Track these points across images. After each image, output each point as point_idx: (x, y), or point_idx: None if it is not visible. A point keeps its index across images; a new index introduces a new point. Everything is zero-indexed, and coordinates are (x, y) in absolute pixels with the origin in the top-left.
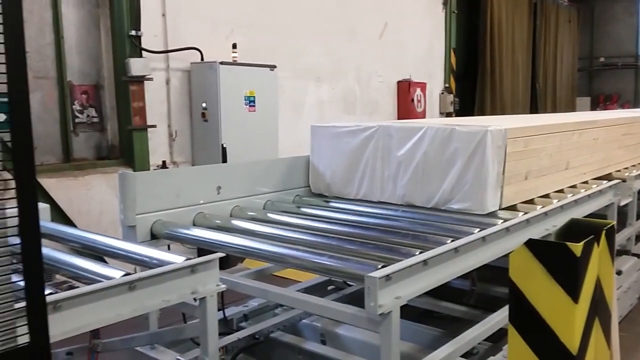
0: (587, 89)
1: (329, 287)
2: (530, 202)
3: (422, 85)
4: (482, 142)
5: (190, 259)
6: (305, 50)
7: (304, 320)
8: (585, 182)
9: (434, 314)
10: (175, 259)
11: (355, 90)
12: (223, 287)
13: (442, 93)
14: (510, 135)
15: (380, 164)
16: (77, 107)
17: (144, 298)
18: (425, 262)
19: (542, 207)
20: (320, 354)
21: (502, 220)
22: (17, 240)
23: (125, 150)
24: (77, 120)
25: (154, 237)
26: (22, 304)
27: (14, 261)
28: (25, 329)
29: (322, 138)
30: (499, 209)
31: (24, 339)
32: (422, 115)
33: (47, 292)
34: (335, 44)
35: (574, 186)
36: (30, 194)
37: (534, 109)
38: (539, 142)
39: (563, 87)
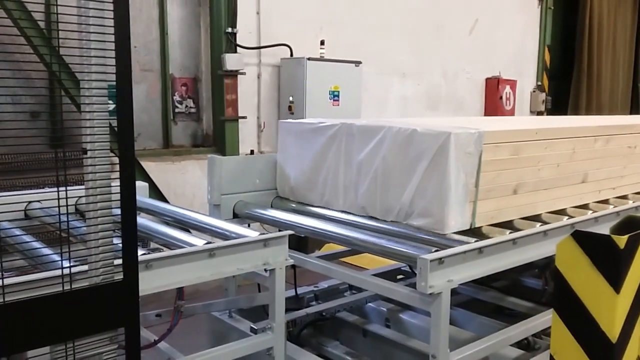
0: None
1: (398, 277)
2: (532, 218)
3: (512, 83)
4: (444, 148)
5: (264, 234)
6: (391, 47)
7: (370, 304)
8: (622, 197)
9: (505, 310)
10: (251, 233)
11: (440, 87)
12: (291, 261)
13: (534, 91)
14: (489, 140)
15: (343, 167)
16: (177, 98)
17: (222, 265)
18: (480, 250)
19: (541, 225)
20: (383, 336)
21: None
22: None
23: (217, 139)
24: (176, 110)
25: (236, 216)
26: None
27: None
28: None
29: (289, 135)
30: (473, 228)
31: (119, 276)
32: (511, 113)
33: (141, 253)
34: (422, 40)
35: (604, 201)
36: (129, 173)
37: (634, 109)
38: (536, 150)
39: None
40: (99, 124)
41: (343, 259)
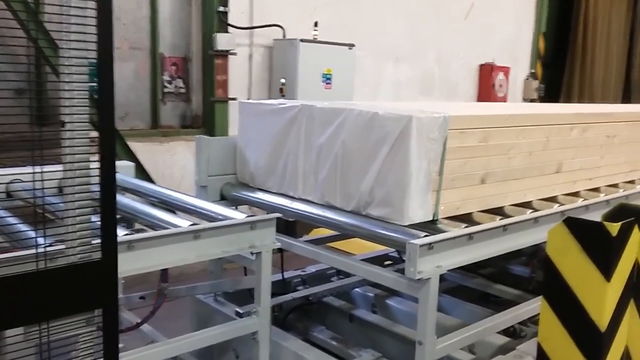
0: None
1: (385, 263)
2: (495, 211)
3: (506, 70)
4: (405, 132)
5: (251, 216)
6: (385, 30)
7: (357, 289)
8: (596, 190)
9: (491, 298)
10: (237, 215)
11: (434, 72)
12: (278, 244)
13: (527, 79)
14: (455, 125)
15: (302, 152)
16: (166, 77)
17: (207, 247)
18: (470, 236)
19: (501, 218)
20: (370, 321)
21: (423, 235)
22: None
23: (207, 120)
24: (165, 90)
25: (223, 199)
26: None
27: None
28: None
29: (248, 117)
30: (434, 219)
31: (97, 256)
32: (503, 100)
33: (124, 233)
34: (418, 24)
35: (575, 194)
36: (109, 146)
37: (626, 99)
38: (507, 137)
39: None
40: (78, 96)
41: (331, 244)
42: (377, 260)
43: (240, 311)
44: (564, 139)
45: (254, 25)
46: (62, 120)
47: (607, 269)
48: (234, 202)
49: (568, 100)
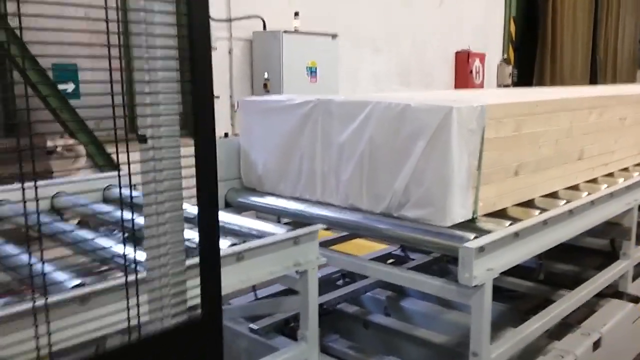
0: None
1: (389, 261)
2: (527, 204)
3: (481, 56)
4: (445, 125)
5: (291, 229)
6: (363, 19)
7: (367, 293)
8: (610, 175)
9: (503, 291)
10: (275, 229)
11: (410, 61)
12: (323, 259)
13: (500, 64)
14: (491, 115)
15: (320, 151)
16: None
17: (252, 269)
18: (516, 233)
19: (540, 213)
20: (386, 326)
21: (473, 236)
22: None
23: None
24: None
25: (228, 206)
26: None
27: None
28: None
29: (253, 116)
30: (473, 218)
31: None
32: (480, 87)
33: None
34: (393, 11)
35: (593, 180)
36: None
37: (593, 80)
38: (537, 124)
39: (624, 58)
40: (165, 101)
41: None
42: (382, 260)
43: (256, 327)
44: (585, 124)
45: (232, 17)
46: (143, 134)
47: None
48: (240, 209)
49: (541, 84)
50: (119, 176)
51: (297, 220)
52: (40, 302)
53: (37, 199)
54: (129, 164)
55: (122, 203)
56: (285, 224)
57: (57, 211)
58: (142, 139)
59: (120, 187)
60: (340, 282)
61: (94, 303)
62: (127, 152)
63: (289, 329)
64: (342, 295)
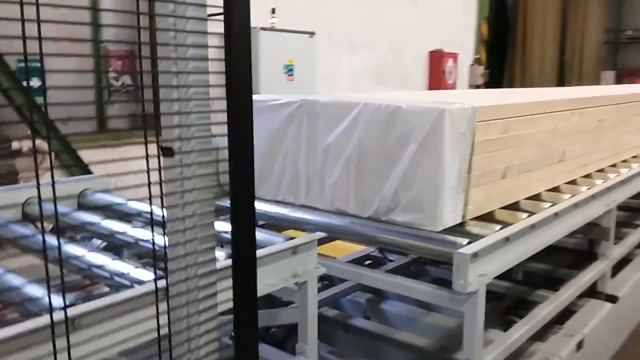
0: (613, 63)
1: (366, 262)
2: (512, 207)
3: (454, 56)
4: (436, 128)
5: (291, 238)
6: (339, 17)
7: (347, 297)
8: (588, 176)
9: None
10: (273, 237)
11: (387, 60)
12: (322, 269)
13: (472, 64)
14: (482, 117)
15: (304, 154)
16: (113, 74)
17: None
18: (507, 238)
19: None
20: (367, 329)
21: (466, 242)
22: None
23: None
24: (112, 88)
25: None
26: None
27: None
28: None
29: None
30: (462, 222)
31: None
32: (452, 87)
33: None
34: (370, 9)
35: (573, 182)
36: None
37: (560, 82)
38: (524, 126)
39: (590, 60)
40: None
41: None
42: (358, 262)
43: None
44: (567, 126)
45: (208, 13)
46: (169, 147)
47: None
48: (218, 213)
49: (511, 85)
50: (150, 196)
51: (279, 225)
52: None
53: None
54: (159, 174)
55: (153, 226)
56: (261, 225)
57: (31, 219)
58: (168, 152)
59: (151, 207)
60: (319, 285)
61: None
62: (159, 163)
63: (269, 335)
64: (322, 300)
